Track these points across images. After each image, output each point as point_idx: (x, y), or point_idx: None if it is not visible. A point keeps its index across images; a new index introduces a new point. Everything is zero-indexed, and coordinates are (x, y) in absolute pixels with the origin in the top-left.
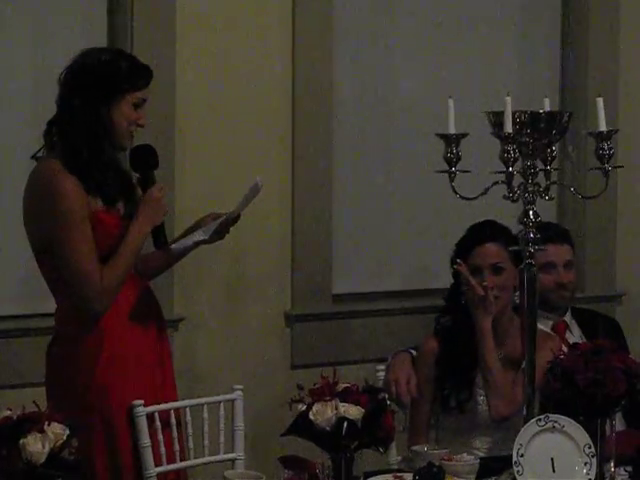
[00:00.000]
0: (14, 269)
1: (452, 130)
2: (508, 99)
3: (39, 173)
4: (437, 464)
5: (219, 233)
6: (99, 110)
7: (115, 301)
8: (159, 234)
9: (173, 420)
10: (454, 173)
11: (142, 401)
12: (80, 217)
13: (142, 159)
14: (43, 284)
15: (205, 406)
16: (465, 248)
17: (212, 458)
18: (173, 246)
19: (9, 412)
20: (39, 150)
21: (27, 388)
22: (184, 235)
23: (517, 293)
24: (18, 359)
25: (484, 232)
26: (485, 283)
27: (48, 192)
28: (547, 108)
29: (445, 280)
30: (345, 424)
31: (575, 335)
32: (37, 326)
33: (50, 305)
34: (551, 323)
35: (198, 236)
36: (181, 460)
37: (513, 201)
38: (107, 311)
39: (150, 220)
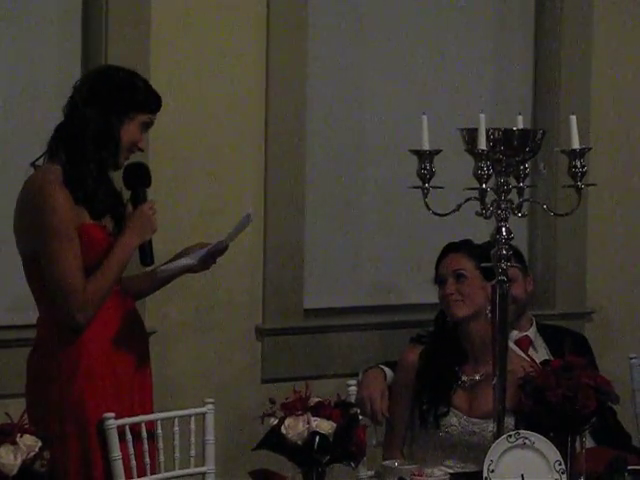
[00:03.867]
0: None
1: (426, 146)
2: (482, 116)
3: (33, 182)
4: (407, 479)
5: (205, 262)
6: (112, 123)
7: (98, 315)
8: (146, 251)
9: (144, 433)
10: (427, 189)
11: (113, 414)
12: (69, 229)
13: (135, 176)
14: (26, 295)
15: (176, 419)
16: (436, 266)
17: (183, 472)
18: (160, 269)
19: None
20: (39, 157)
21: (8, 399)
22: (170, 261)
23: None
24: (1, 370)
25: (447, 246)
26: (448, 291)
27: (40, 202)
28: (520, 125)
29: (415, 296)
30: (317, 438)
31: (540, 351)
32: (19, 337)
33: (31, 316)
34: (514, 339)
35: (185, 261)
36: (152, 473)
37: (486, 218)
38: (89, 323)
39: (138, 235)
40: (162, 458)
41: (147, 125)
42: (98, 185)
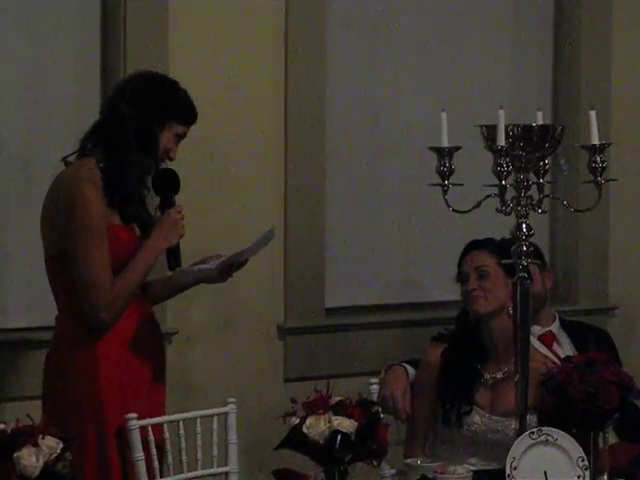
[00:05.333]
0: (14, 281)
1: (445, 143)
2: (501, 112)
3: (64, 179)
4: (430, 477)
5: (222, 274)
6: (154, 128)
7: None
8: (173, 256)
9: (166, 434)
10: (447, 186)
11: (135, 415)
12: (100, 227)
13: (165, 182)
14: (44, 297)
15: (198, 419)
16: (459, 263)
17: (205, 472)
18: (177, 270)
19: (3, 425)
20: (72, 154)
21: (28, 401)
22: None
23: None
24: (19, 371)
25: (471, 243)
26: (471, 287)
27: (71, 199)
28: (540, 121)
29: (437, 293)
30: (338, 437)
31: (564, 347)
32: (38, 339)
33: (48, 318)
34: (537, 334)
35: (203, 266)
36: (174, 474)
37: (506, 214)
38: (113, 323)
39: (165, 238)
40: (185, 458)
41: (181, 137)
42: (135, 190)
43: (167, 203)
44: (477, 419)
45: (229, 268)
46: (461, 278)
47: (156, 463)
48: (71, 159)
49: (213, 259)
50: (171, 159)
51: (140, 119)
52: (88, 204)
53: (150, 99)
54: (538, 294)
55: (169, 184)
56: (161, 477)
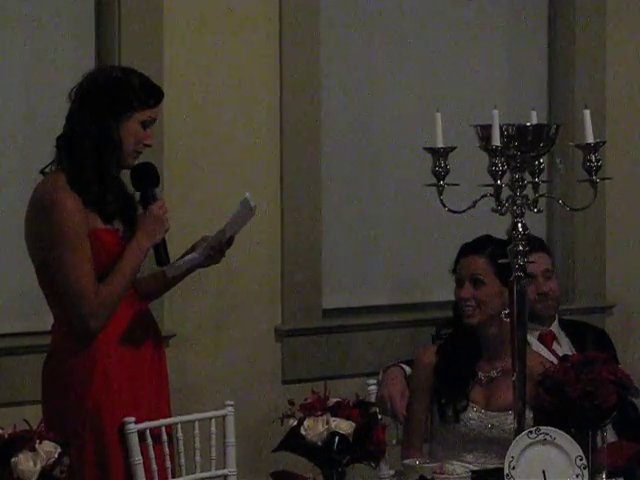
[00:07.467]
0: (11, 287)
1: (440, 144)
2: (495, 112)
3: (42, 188)
4: (429, 477)
5: (212, 257)
6: (109, 125)
7: (111, 320)
8: (160, 251)
9: (164, 437)
10: (442, 187)
11: (133, 418)
12: (78, 235)
13: (142, 177)
14: (41, 302)
15: (196, 422)
16: (455, 261)
17: (204, 474)
18: (167, 268)
19: (0, 430)
20: (47, 165)
21: (25, 406)
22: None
23: (506, 311)
24: (16, 377)
25: (469, 245)
26: (464, 296)
27: (48, 208)
28: (534, 121)
29: (434, 293)
30: (336, 439)
31: (564, 346)
32: (35, 344)
33: (47, 323)
34: (537, 334)
35: (191, 256)
36: (173, 477)
37: (501, 214)
38: (102, 329)
39: (149, 237)
40: (183, 461)
41: (149, 121)
42: (104, 189)
43: (148, 199)
44: (473, 415)
45: (219, 249)
46: (456, 279)
47: (154, 466)
48: (49, 170)
49: (200, 244)
50: (148, 146)
51: (95, 119)
52: (63, 211)
53: (98, 96)
54: (557, 296)
55: (147, 179)
56: None
